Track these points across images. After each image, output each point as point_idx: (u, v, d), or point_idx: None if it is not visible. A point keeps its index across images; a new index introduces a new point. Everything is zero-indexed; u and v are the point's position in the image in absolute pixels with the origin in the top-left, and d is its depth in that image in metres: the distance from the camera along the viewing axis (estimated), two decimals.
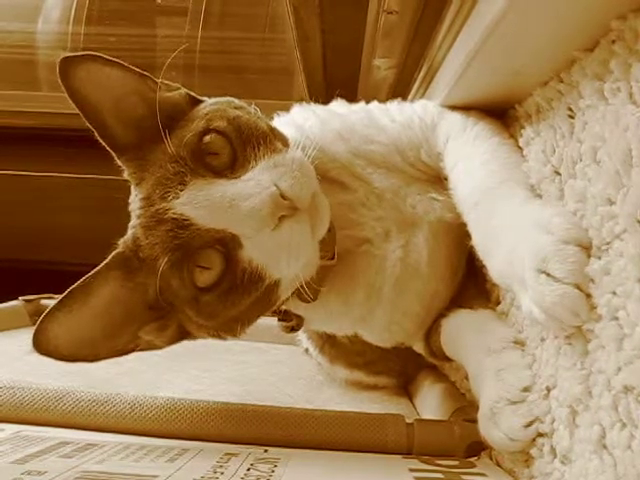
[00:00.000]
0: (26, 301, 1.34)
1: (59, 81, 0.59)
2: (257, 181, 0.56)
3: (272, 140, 0.61)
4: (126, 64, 0.62)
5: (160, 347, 0.64)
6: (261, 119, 0.64)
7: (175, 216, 0.56)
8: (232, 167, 0.59)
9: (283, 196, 0.55)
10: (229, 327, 0.62)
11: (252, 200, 0.55)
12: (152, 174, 0.59)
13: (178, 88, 0.67)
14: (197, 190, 0.56)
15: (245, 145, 0.59)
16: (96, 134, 0.61)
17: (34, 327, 0.55)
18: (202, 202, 0.56)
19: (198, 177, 0.57)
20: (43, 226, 1.71)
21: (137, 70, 0.63)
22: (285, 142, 0.63)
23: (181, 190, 0.56)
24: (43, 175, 1.69)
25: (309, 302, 0.69)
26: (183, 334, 0.64)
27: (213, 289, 0.57)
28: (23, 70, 1.81)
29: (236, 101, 0.66)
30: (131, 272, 0.59)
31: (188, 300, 0.58)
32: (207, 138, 0.59)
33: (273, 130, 0.64)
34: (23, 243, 1.73)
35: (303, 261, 0.59)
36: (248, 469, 0.53)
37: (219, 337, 0.64)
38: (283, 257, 0.57)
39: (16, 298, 1.35)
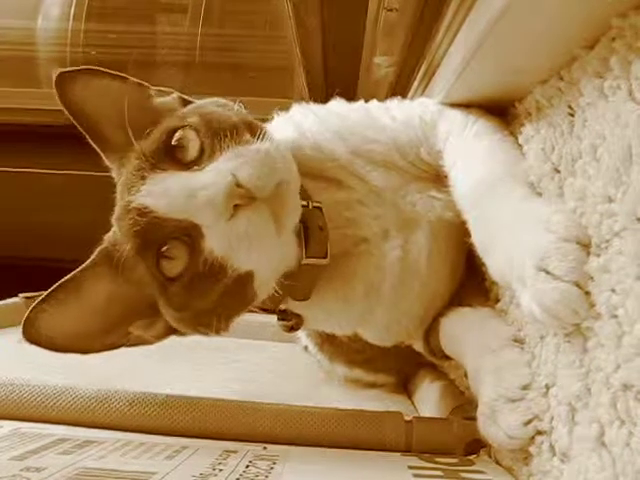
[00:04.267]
0: (26, 298, 1.34)
1: (56, 96, 0.62)
2: (217, 171, 0.56)
3: (242, 132, 0.61)
4: (122, 75, 0.65)
5: (150, 342, 0.65)
6: (238, 114, 0.64)
7: (137, 206, 0.58)
8: (200, 160, 0.59)
9: (239, 185, 0.55)
10: (204, 321, 0.61)
11: (209, 189, 0.55)
12: (125, 170, 0.62)
13: (171, 92, 0.69)
14: (156, 183, 0.58)
15: (213, 138, 0.60)
16: (88, 138, 0.65)
17: None
18: (161, 193, 0.57)
19: (158, 171, 0.59)
20: (43, 223, 1.71)
21: (134, 80, 0.66)
22: (256, 134, 0.61)
23: (142, 185, 0.58)
24: (43, 172, 1.69)
25: (302, 301, 0.69)
26: (170, 329, 0.65)
27: (179, 279, 0.58)
28: (23, 67, 1.81)
29: (221, 100, 0.67)
30: (115, 266, 0.60)
31: (158, 289, 0.60)
32: (178, 134, 0.60)
33: (248, 123, 0.63)
34: (23, 240, 1.73)
35: (267, 253, 0.59)
36: (247, 466, 0.53)
37: (199, 332, 0.64)
38: (242, 247, 0.57)
39: (16, 295, 1.35)
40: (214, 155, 0.59)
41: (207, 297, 0.59)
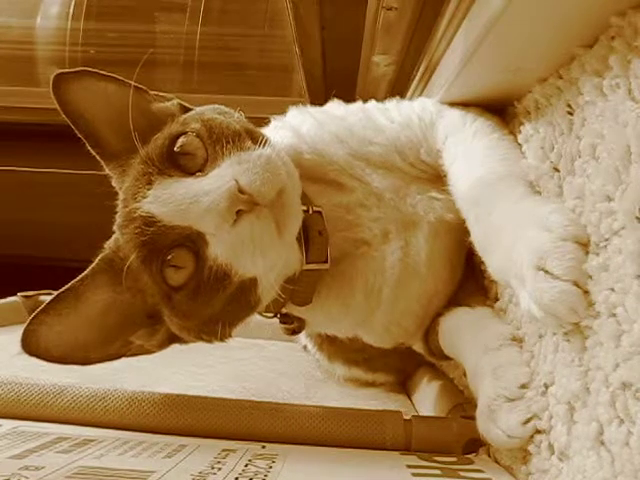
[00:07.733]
0: (25, 297, 1.34)
1: (52, 96, 0.61)
2: (219, 177, 0.56)
3: (243, 139, 0.61)
4: (121, 78, 0.64)
5: (151, 352, 0.65)
6: (239, 121, 0.64)
7: (143, 214, 0.57)
8: (203, 166, 0.59)
9: (242, 191, 0.55)
10: (209, 328, 0.61)
11: (211, 195, 0.55)
12: (129, 177, 0.61)
13: (172, 98, 0.69)
14: (162, 189, 0.57)
15: (215, 145, 0.60)
16: (87, 145, 0.64)
17: None
18: (166, 200, 0.56)
19: (165, 176, 0.58)
20: (42, 222, 1.71)
21: (133, 84, 0.64)
22: (258, 141, 0.61)
23: (148, 189, 0.58)
24: (42, 171, 1.68)
25: (303, 305, 0.69)
26: (172, 338, 0.65)
27: (184, 287, 0.58)
28: (22, 66, 1.80)
29: (222, 107, 0.67)
30: (117, 274, 0.60)
31: (162, 299, 0.59)
32: (181, 140, 0.60)
33: (250, 131, 0.63)
34: (22, 239, 1.73)
35: (271, 258, 0.59)
36: (246, 465, 0.53)
37: (204, 340, 0.64)
38: (246, 253, 0.57)
39: (15, 294, 1.35)
40: (216, 162, 0.59)
41: (213, 305, 0.59)
